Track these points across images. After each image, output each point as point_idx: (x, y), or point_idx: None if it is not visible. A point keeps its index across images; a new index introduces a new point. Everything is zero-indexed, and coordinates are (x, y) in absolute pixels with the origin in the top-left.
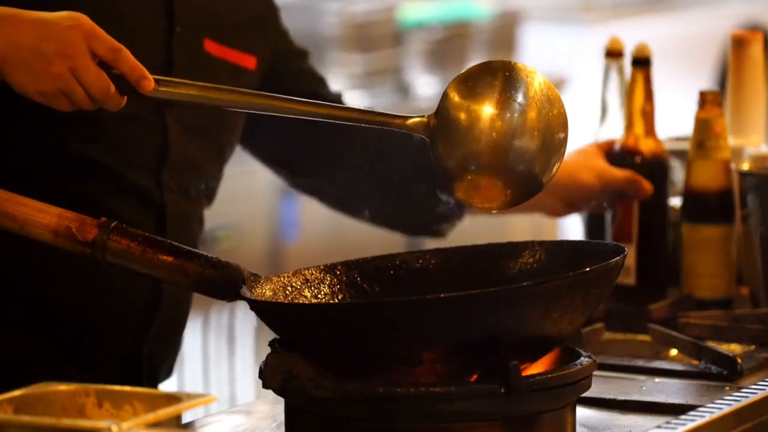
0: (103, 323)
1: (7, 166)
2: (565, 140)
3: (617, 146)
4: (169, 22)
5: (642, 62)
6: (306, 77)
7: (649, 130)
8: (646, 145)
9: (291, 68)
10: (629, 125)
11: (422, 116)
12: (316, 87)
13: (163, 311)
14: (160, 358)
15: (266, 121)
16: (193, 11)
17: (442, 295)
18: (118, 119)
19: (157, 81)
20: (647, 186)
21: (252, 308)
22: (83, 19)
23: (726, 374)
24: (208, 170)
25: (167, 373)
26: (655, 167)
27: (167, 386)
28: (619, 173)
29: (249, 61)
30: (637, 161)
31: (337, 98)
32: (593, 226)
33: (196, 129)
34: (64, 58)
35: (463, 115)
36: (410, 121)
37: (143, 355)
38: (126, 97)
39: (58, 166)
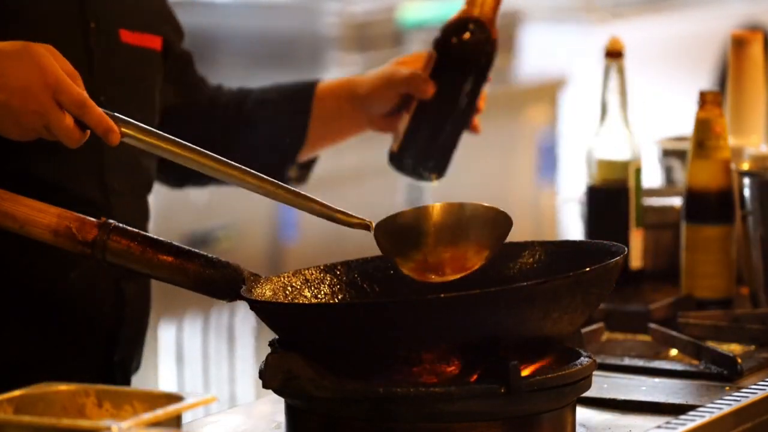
0: (73, 336)
1: None
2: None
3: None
4: (82, 19)
5: None
6: (189, 76)
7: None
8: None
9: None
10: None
11: (364, 221)
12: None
13: (129, 316)
14: (130, 361)
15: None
16: (105, 4)
17: (442, 295)
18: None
19: (122, 134)
20: (428, 88)
21: (252, 308)
22: (47, 67)
23: (726, 374)
24: (145, 165)
25: (136, 368)
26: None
27: (165, 386)
28: (403, 72)
29: (156, 42)
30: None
31: (216, 92)
32: (593, 226)
33: None
34: (37, 117)
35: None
36: (354, 221)
37: (114, 363)
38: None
39: (5, 184)
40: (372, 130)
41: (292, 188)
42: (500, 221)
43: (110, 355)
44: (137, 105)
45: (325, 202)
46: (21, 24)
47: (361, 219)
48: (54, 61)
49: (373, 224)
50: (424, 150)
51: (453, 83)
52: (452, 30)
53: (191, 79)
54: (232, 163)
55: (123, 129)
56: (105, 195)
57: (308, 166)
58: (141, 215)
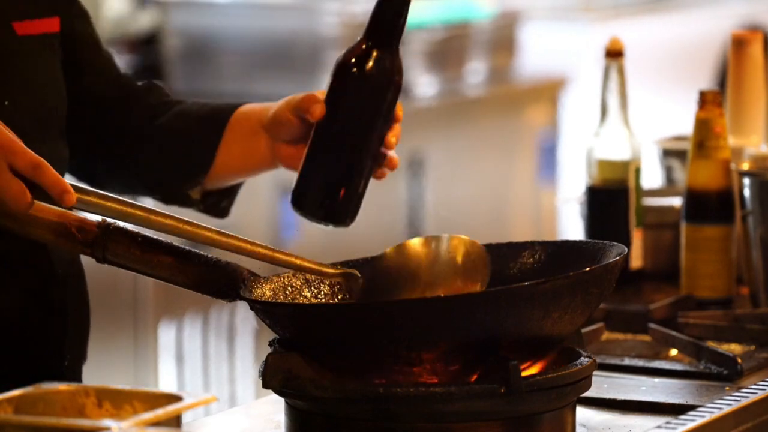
0: (20, 347)
1: None
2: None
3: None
4: None
5: None
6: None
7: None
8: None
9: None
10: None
11: (346, 271)
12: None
13: (72, 318)
14: (77, 361)
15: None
16: None
17: (442, 295)
18: None
19: (78, 193)
20: (317, 108)
21: (252, 308)
22: (1, 133)
23: (726, 374)
24: (56, 157)
25: (84, 360)
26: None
27: (165, 386)
28: (299, 95)
29: (54, 24)
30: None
31: (108, 61)
32: (593, 226)
33: (36, 128)
34: None
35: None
36: (333, 273)
37: (65, 368)
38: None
39: None
40: (279, 165)
41: (268, 246)
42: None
43: (60, 362)
44: (45, 97)
45: (302, 258)
46: None
47: (342, 270)
48: (2, 127)
49: (358, 274)
50: (318, 189)
51: (350, 110)
52: (351, 54)
53: (97, 62)
54: (201, 224)
55: (79, 195)
56: None
57: (225, 195)
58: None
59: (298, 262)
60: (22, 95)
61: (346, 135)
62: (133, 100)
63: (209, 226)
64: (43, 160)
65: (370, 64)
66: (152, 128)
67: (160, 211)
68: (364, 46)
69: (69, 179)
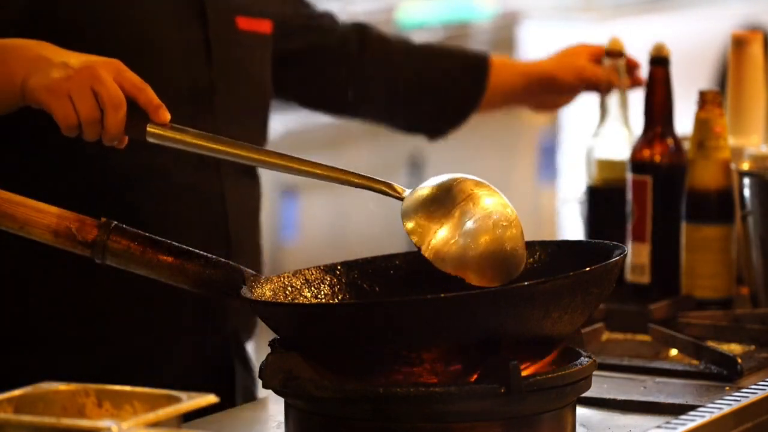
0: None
1: (66, 182)
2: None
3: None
4: (200, 9)
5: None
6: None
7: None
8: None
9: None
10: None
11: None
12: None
13: None
14: (244, 328)
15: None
16: None
17: (442, 295)
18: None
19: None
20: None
21: (252, 308)
22: (116, 61)
23: (726, 374)
24: (258, 143)
25: (249, 336)
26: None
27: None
28: (599, 71)
29: (266, 26)
30: (656, 160)
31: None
32: (593, 226)
33: (241, 107)
34: (88, 69)
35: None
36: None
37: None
38: (126, 137)
39: (123, 177)
40: (529, 108)
41: (338, 168)
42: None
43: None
44: (251, 90)
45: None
46: (138, 18)
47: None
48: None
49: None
50: None
51: None
52: None
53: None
54: (269, 150)
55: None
56: (220, 180)
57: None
58: (252, 198)
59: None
60: (233, 81)
61: None
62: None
63: (280, 152)
64: (147, 85)
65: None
66: (406, 74)
67: (240, 143)
68: None
69: None
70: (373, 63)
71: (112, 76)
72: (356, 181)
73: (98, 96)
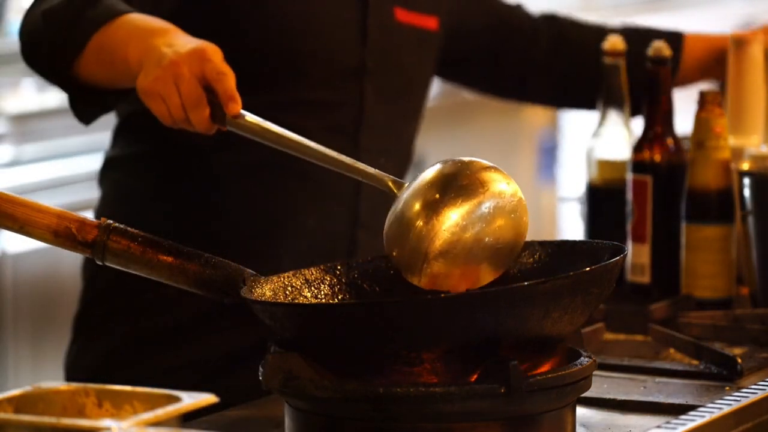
0: None
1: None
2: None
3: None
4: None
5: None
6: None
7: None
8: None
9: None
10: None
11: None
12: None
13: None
14: None
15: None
16: None
17: (442, 295)
18: (315, 86)
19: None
20: None
21: (252, 308)
22: (207, 45)
23: (726, 374)
24: (404, 129)
25: None
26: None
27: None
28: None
29: (431, 22)
30: (656, 160)
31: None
32: (593, 226)
33: (390, 92)
34: (172, 66)
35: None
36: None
37: None
38: (213, 126)
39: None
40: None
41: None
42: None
43: None
44: (404, 84)
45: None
46: (300, 5)
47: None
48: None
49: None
50: None
51: None
52: None
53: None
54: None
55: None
56: (357, 153)
57: None
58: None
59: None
60: (385, 71)
61: None
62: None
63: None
64: (229, 70)
65: None
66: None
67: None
68: None
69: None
70: (563, 56)
71: (195, 69)
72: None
73: (180, 95)
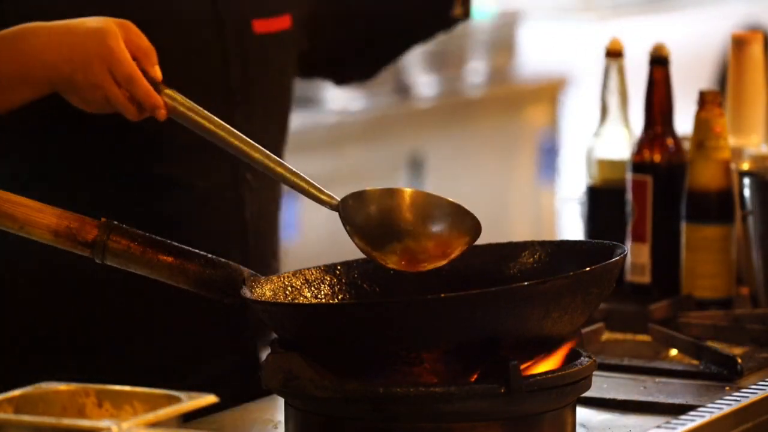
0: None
1: (89, 192)
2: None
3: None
4: (215, 14)
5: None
6: None
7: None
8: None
9: None
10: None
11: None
12: None
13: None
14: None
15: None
16: None
17: (442, 295)
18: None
19: (169, 109)
20: None
21: (252, 308)
22: (106, 41)
23: (726, 374)
24: (275, 149)
25: None
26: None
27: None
28: None
29: (286, 22)
30: (656, 161)
31: None
32: (593, 226)
33: (261, 118)
34: (97, 90)
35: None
36: (324, 197)
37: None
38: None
39: (141, 187)
40: None
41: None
42: (471, 226)
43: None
44: (274, 94)
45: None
46: (156, 29)
47: (330, 197)
48: (118, 36)
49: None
50: None
51: None
52: None
53: None
54: (281, 160)
55: (170, 104)
56: (237, 187)
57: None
58: (273, 201)
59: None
60: (253, 88)
61: None
62: None
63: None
64: (137, 72)
65: None
66: None
67: (242, 136)
68: None
69: None
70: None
71: (109, 75)
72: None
73: (119, 110)
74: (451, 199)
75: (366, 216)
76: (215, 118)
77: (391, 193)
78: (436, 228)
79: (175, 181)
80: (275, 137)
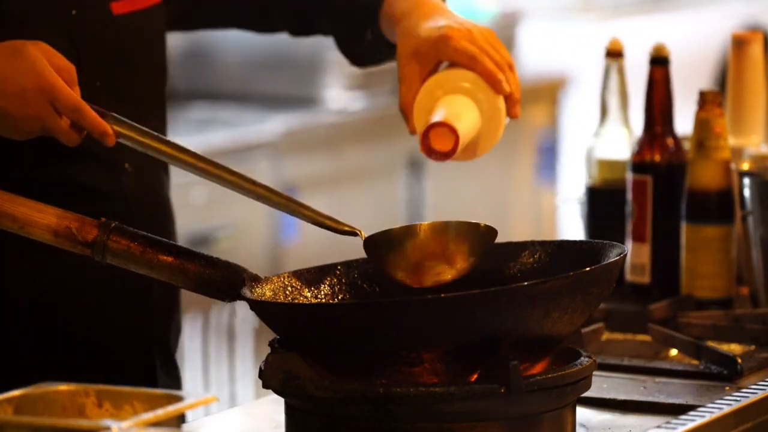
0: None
1: None
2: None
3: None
4: (63, 7)
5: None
6: None
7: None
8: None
9: None
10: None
11: (354, 229)
12: None
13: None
14: (167, 332)
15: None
16: None
17: (442, 295)
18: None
19: (117, 134)
20: None
21: (252, 308)
22: (41, 71)
23: (726, 374)
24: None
25: (176, 343)
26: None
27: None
28: None
29: None
30: (656, 160)
31: None
32: (593, 226)
33: (126, 99)
34: (35, 121)
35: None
36: (344, 228)
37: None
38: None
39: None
40: None
41: (284, 194)
42: (486, 233)
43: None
44: (142, 78)
45: (315, 209)
46: (4, 25)
47: (351, 227)
48: (47, 64)
49: (363, 233)
50: None
51: None
52: None
53: None
54: (229, 168)
55: (117, 129)
56: (118, 179)
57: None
58: (156, 191)
59: (308, 213)
60: (116, 74)
61: None
62: None
63: (239, 172)
64: (82, 102)
65: None
66: None
67: (199, 154)
68: None
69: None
70: None
71: (50, 108)
72: (308, 214)
73: (57, 107)
74: (457, 220)
75: (389, 250)
76: (166, 138)
77: (411, 229)
78: (459, 249)
79: (60, 177)
80: (152, 113)
